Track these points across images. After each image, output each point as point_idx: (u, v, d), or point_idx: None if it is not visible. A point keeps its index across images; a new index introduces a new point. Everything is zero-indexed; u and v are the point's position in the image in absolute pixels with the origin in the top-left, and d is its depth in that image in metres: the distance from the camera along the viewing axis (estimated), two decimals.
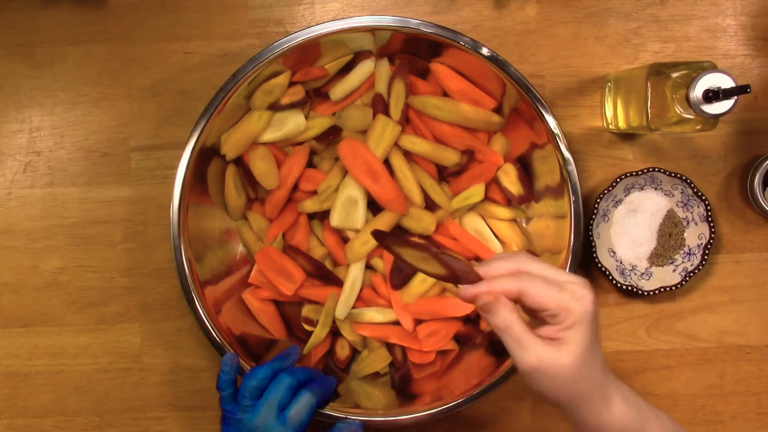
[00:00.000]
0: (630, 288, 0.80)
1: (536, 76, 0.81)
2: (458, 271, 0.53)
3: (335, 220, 0.77)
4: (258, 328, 0.80)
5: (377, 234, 0.55)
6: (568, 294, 0.53)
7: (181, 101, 0.81)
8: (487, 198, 0.79)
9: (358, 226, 0.77)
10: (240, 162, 0.78)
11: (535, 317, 0.55)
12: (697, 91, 0.67)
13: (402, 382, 0.79)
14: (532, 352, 0.53)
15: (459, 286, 0.54)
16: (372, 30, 0.73)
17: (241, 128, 0.76)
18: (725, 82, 0.67)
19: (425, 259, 0.54)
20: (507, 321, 0.53)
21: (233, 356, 0.70)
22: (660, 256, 0.81)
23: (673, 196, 0.81)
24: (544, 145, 0.74)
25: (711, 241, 0.79)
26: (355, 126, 0.78)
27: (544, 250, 0.77)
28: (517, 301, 0.54)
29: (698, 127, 0.71)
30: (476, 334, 0.79)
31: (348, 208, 0.77)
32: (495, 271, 0.54)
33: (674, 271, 0.81)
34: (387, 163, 0.77)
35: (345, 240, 0.79)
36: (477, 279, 0.53)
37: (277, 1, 0.81)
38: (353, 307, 0.79)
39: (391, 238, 0.55)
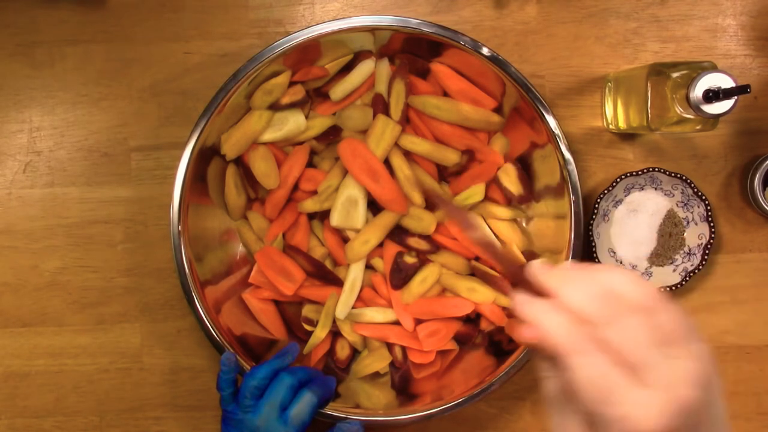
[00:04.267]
0: None
1: (536, 76, 0.81)
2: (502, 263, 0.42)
3: (335, 219, 0.77)
4: (258, 328, 0.80)
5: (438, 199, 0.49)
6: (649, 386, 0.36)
7: (181, 101, 0.81)
8: (487, 198, 0.79)
9: (358, 225, 0.77)
10: (240, 162, 0.78)
11: None
12: (697, 91, 0.67)
13: (402, 382, 0.79)
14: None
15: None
16: (372, 30, 0.73)
17: (241, 128, 0.76)
18: (725, 82, 0.67)
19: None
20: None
21: (231, 356, 0.70)
22: (660, 256, 0.81)
23: (673, 196, 0.81)
24: (545, 145, 0.74)
25: (711, 241, 0.79)
26: (355, 126, 0.78)
27: (544, 250, 0.77)
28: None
29: (698, 127, 0.71)
30: (476, 334, 0.79)
31: (348, 208, 0.77)
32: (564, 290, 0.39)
33: (674, 271, 0.81)
34: (387, 162, 0.77)
35: (345, 240, 0.79)
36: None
37: (277, 1, 0.81)
38: (353, 307, 0.79)
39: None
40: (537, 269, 0.41)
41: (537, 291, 0.40)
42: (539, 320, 0.38)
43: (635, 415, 0.35)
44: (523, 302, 0.40)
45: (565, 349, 0.37)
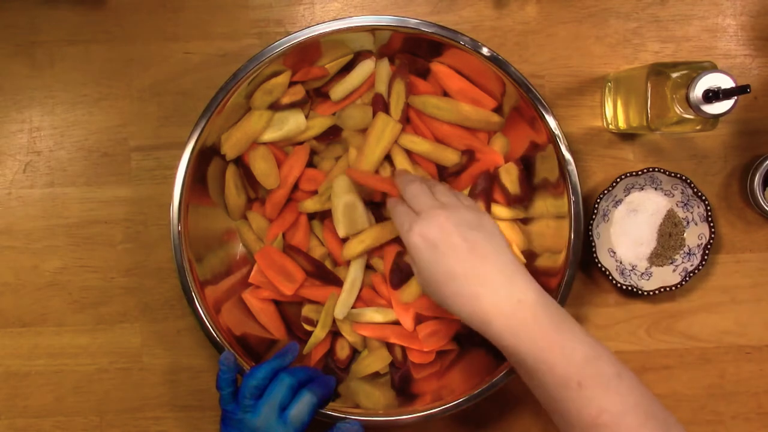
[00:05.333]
0: (630, 288, 0.80)
1: (536, 76, 0.81)
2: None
3: (342, 231, 0.76)
4: (258, 328, 0.80)
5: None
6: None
7: (181, 101, 0.81)
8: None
9: (365, 226, 0.77)
10: (240, 162, 0.78)
11: None
12: (697, 91, 0.67)
13: (402, 382, 0.79)
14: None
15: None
16: (372, 30, 0.73)
17: (241, 128, 0.76)
18: (725, 82, 0.67)
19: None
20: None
21: (230, 355, 0.70)
22: (660, 256, 0.81)
23: (673, 196, 0.81)
24: (545, 145, 0.74)
25: (711, 241, 0.79)
26: (355, 125, 0.78)
27: (544, 250, 0.77)
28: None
29: (698, 127, 0.71)
30: (476, 334, 0.79)
31: (349, 214, 0.76)
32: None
33: (674, 271, 0.81)
34: (389, 160, 0.77)
35: (345, 240, 0.79)
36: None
37: (277, 1, 0.81)
38: (353, 307, 0.78)
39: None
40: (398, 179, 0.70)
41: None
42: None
43: (406, 229, 0.64)
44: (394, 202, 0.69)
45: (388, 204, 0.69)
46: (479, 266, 0.61)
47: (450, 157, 0.77)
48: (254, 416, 0.67)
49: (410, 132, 0.78)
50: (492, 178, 0.78)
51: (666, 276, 0.81)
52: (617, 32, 0.82)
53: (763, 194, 0.79)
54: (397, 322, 0.79)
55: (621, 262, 0.82)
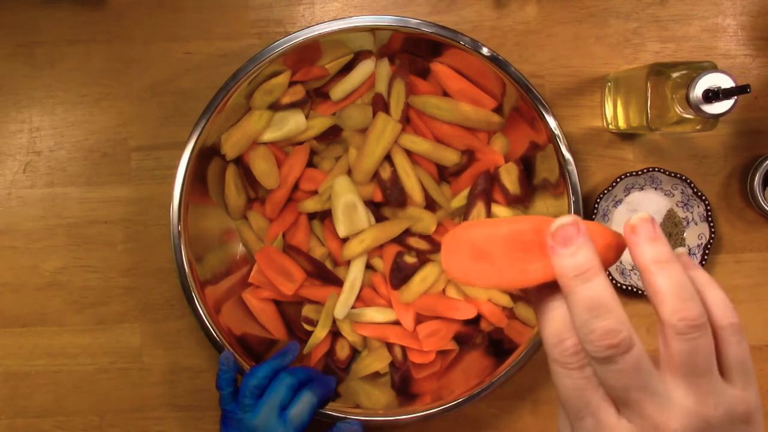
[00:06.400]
0: (630, 288, 0.80)
1: (536, 76, 0.81)
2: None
3: (343, 231, 0.77)
4: (258, 328, 0.80)
5: None
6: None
7: (181, 101, 0.81)
8: None
9: (365, 226, 0.77)
10: (240, 162, 0.78)
11: None
12: (697, 91, 0.67)
13: (402, 382, 0.79)
14: None
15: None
16: (372, 30, 0.73)
17: (241, 128, 0.76)
18: (725, 82, 0.67)
19: None
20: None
21: (230, 355, 0.70)
22: None
23: (673, 196, 0.81)
24: (545, 145, 0.74)
25: (711, 241, 0.79)
26: (355, 125, 0.78)
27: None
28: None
29: (698, 127, 0.71)
30: (476, 334, 0.79)
31: (349, 214, 0.77)
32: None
33: None
34: (389, 160, 0.77)
35: (345, 240, 0.79)
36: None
37: (277, 1, 0.81)
38: (353, 307, 0.79)
39: None
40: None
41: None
42: (544, 313, 0.36)
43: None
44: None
45: (550, 354, 0.36)
46: None
47: (450, 157, 0.77)
48: (254, 416, 0.67)
49: (410, 132, 0.78)
50: (492, 178, 0.78)
51: None
52: (617, 32, 0.82)
53: (763, 194, 0.79)
54: (397, 322, 0.79)
55: (621, 262, 0.82)
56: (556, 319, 0.35)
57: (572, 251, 0.35)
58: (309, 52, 0.74)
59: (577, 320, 0.34)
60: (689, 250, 0.81)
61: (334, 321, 0.79)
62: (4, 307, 0.82)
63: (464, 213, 0.77)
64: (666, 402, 0.34)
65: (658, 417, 0.34)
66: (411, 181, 0.77)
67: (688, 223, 0.81)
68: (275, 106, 0.76)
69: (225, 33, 0.81)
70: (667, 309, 0.34)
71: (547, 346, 0.35)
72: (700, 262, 0.80)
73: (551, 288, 0.36)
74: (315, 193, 0.79)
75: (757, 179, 0.79)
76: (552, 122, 0.72)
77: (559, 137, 0.72)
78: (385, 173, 0.77)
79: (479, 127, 0.78)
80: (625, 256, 0.82)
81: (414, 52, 0.76)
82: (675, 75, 0.70)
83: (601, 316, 0.33)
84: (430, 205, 0.79)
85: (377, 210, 0.79)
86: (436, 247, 0.78)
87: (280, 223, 0.79)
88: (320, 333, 0.78)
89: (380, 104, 0.77)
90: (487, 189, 0.77)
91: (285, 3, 0.81)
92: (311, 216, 0.80)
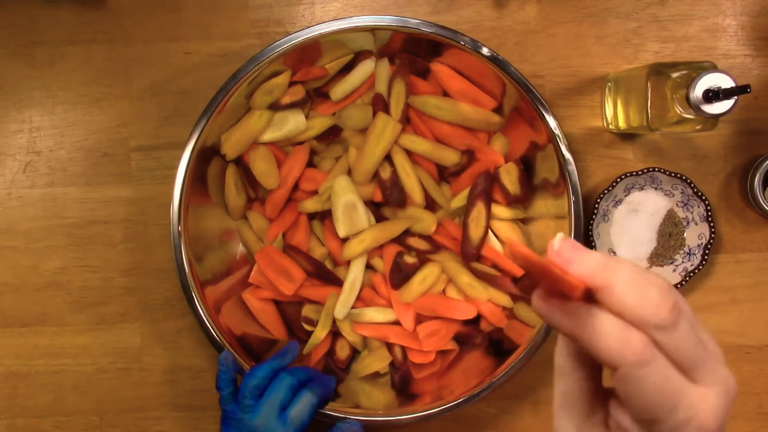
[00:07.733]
0: None
1: (536, 76, 0.81)
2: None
3: (343, 231, 0.77)
4: (258, 328, 0.80)
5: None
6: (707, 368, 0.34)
7: (181, 101, 0.81)
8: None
9: (365, 226, 0.77)
10: (240, 162, 0.78)
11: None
12: (697, 91, 0.67)
13: (402, 382, 0.79)
14: None
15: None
16: (372, 30, 0.73)
17: (241, 128, 0.76)
18: (725, 82, 0.67)
19: None
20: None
21: (229, 355, 0.70)
22: (660, 256, 0.81)
23: (673, 196, 0.81)
24: (545, 145, 0.74)
25: (711, 241, 0.79)
26: (355, 125, 0.78)
27: (544, 251, 0.77)
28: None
29: (698, 127, 0.71)
30: (476, 334, 0.79)
31: (349, 214, 0.77)
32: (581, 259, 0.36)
33: (674, 271, 0.81)
34: (389, 160, 0.77)
35: (345, 240, 0.79)
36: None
37: (277, 1, 0.81)
38: (353, 307, 0.79)
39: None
40: (566, 251, 0.37)
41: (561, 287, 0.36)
42: (588, 328, 0.34)
43: (703, 415, 0.34)
44: (560, 307, 0.36)
45: (626, 360, 0.33)
46: None
47: (450, 157, 0.77)
48: (254, 416, 0.67)
49: (410, 132, 0.78)
50: (492, 178, 0.78)
51: (666, 276, 0.81)
52: (617, 32, 0.82)
53: (763, 194, 0.79)
54: (397, 322, 0.79)
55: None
56: (605, 327, 0.33)
57: (582, 253, 0.36)
58: (309, 52, 0.74)
59: (629, 301, 0.33)
60: (689, 250, 0.81)
61: (334, 321, 0.79)
62: (4, 307, 0.82)
63: (464, 213, 0.77)
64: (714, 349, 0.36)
65: (721, 368, 0.35)
66: (411, 181, 0.77)
67: (688, 223, 0.81)
68: (275, 106, 0.76)
69: (225, 33, 0.81)
70: (642, 310, 0.34)
71: (615, 357, 0.33)
72: (700, 262, 0.80)
73: (575, 313, 0.35)
74: (315, 193, 0.79)
75: (757, 179, 0.79)
76: (552, 122, 0.72)
77: (559, 137, 0.72)
78: (385, 173, 0.77)
79: (479, 127, 0.78)
80: (626, 256, 0.82)
81: (414, 52, 0.76)
82: (675, 75, 0.70)
83: (651, 282, 0.33)
84: (430, 205, 0.79)
85: (377, 210, 0.79)
86: (436, 247, 0.78)
87: (280, 223, 0.79)
88: (320, 333, 0.78)
89: (380, 104, 0.77)
90: (487, 189, 0.77)
91: (285, 3, 0.81)
92: (311, 216, 0.80)
